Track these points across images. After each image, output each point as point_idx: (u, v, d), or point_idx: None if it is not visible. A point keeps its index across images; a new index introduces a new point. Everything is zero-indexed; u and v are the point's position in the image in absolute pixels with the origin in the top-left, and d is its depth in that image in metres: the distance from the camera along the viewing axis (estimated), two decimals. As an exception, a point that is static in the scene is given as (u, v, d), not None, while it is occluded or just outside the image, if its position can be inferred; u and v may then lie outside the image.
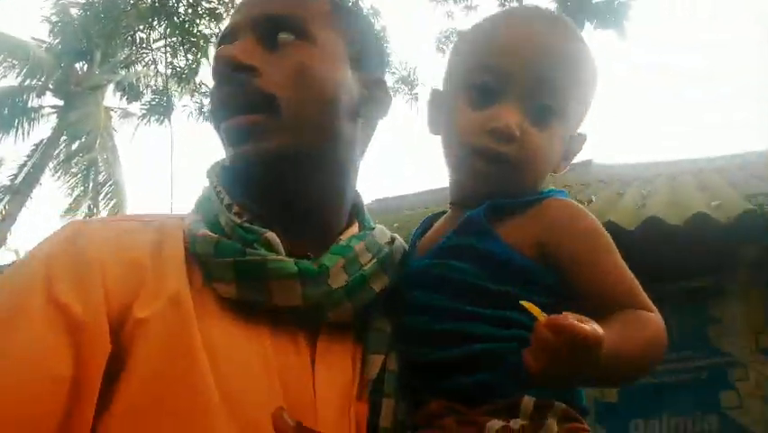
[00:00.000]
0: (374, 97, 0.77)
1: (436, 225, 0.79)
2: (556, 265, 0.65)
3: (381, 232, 0.76)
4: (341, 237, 0.72)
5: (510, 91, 0.68)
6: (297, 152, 0.68)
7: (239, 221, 0.66)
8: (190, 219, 0.70)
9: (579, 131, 0.77)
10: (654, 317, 0.63)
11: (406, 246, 0.78)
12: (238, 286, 0.62)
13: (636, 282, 0.65)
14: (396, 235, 0.78)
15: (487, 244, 0.66)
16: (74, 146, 11.89)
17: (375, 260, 0.70)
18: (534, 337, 0.53)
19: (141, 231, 0.67)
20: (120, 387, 0.56)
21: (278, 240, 0.65)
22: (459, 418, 0.61)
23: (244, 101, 0.67)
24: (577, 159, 0.77)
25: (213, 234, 0.65)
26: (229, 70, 0.67)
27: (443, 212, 0.80)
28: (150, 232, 0.68)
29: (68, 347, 0.55)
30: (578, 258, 0.65)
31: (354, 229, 0.76)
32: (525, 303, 0.55)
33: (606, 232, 0.67)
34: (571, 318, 0.51)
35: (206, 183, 0.75)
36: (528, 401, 0.59)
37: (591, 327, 0.51)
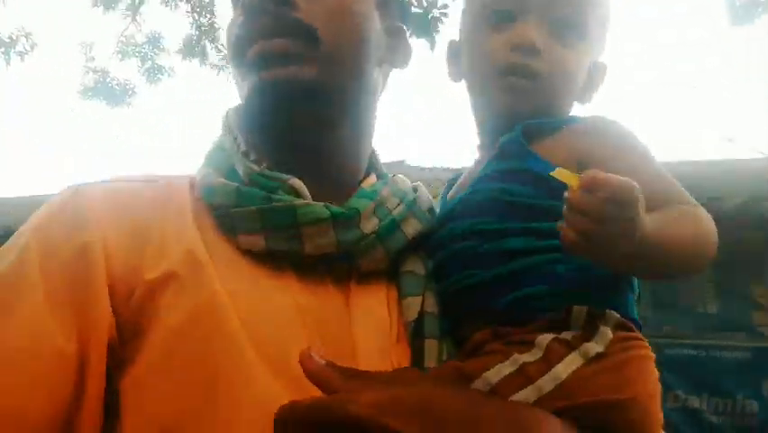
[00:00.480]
0: (396, 46, 0.75)
1: (465, 173, 0.77)
2: None
3: (402, 180, 0.74)
4: (362, 186, 0.69)
5: (529, 10, 0.69)
6: (331, 87, 0.65)
7: (258, 169, 0.63)
8: (201, 174, 0.66)
9: (599, 60, 0.76)
10: (700, 210, 0.60)
11: (431, 197, 0.75)
12: (267, 236, 0.59)
13: (674, 181, 0.63)
14: (419, 184, 0.76)
15: (528, 163, 0.65)
16: None
17: (403, 204, 0.68)
18: (568, 204, 0.51)
19: (144, 190, 0.63)
20: (142, 351, 0.54)
21: (303, 186, 0.62)
22: (507, 340, 0.58)
23: (281, 28, 0.63)
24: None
25: (231, 183, 0.61)
26: (269, 3, 0.63)
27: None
28: (154, 190, 0.63)
29: (70, 322, 0.53)
30: (620, 164, 0.60)
31: (372, 179, 0.73)
32: (556, 172, 0.52)
33: (640, 139, 0.66)
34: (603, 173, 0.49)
35: (219, 133, 0.71)
36: (580, 310, 0.57)
37: (625, 178, 0.49)
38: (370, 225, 0.63)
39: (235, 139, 0.67)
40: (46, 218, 0.59)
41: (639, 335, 0.59)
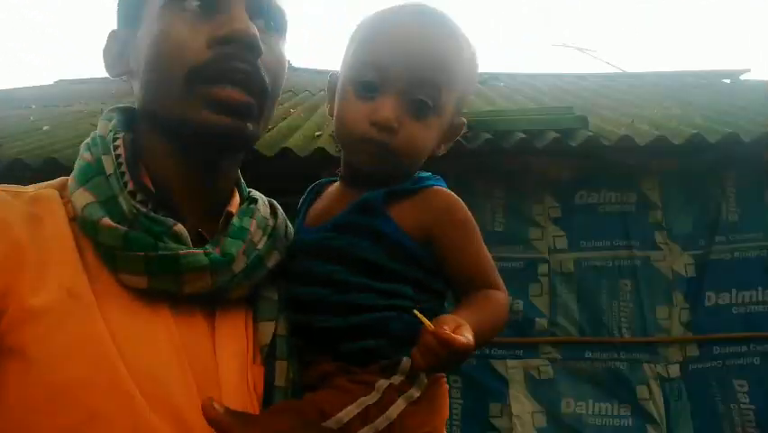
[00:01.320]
0: None
1: (326, 196, 0.85)
2: (435, 248, 0.74)
3: (263, 203, 0.79)
4: (229, 209, 0.74)
5: (390, 86, 0.74)
6: (257, 138, 0.72)
7: (144, 210, 0.65)
8: (79, 199, 0.64)
9: (457, 117, 0.83)
10: (502, 295, 0.76)
11: (286, 220, 0.82)
12: (149, 278, 0.63)
13: (492, 264, 0.77)
14: (273, 202, 0.82)
15: (382, 225, 0.74)
16: None
17: (266, 237, 0.74)
18: (421, 342, 0.62)
19: (14, 204, 0.63)
20: (10, 378, 0.55)
21: (185, 232, 0.66)
22: (351, 377, 0.69)
23: (253, 85, 0.67)
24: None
25: (120, 227, 0.63)
26: (251, 49, 0.66)
27: (329, 181, 0.87)
28: (23, 205, 0.63)
29: None
30: (453, 245, 0.75)
31: (236, 199, 0.78)
32: (415, 312, 0.64)
33: (474, 223, 0.77)
34: (450, 328, 0.61)
35: (93, 144, 0.70)
36: (406, 362, 0.69)
37: (466, 337, 0.60)
38: (240, 264, 0.69)
39: (119, 166, 0.67)
40: None
41: (443, 375, 0.75)
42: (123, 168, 0.67)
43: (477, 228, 0.77)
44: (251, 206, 0.77)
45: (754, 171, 3.39)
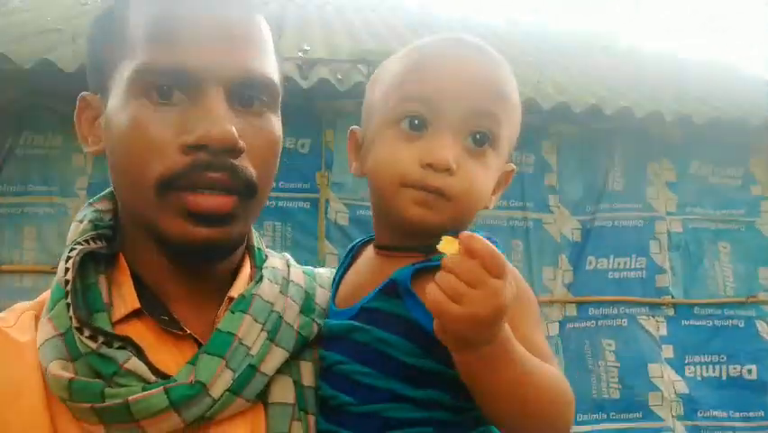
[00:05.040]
0: None
1: (360, 264, 0.74)
2: None
3: (273, 275, 0.70)
4: (230, 294, 0.66)
5: (444, 121, 0.64)
6: (249, 228, 0.69)
7: (94, 346, 0.58)
8: (41, 334, 0.60)
9: (507, 164, 0.72)
10: (561, 374, 0.62)
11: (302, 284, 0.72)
12: (106, 428, 0.57)
13: (548, 348, 0.64)
14: (294, 268, 0.73)
15: (411, 310, 0.62)
16: None
17: (265, 333, 0.64)
18: (443, 265, 0.53)
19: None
20: None
21: (142, 366, 0.58)
22: None
23: (232, 184, 0.60)
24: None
25: (64, 374, 0.57)
26: (229, 152, 0.59)
27: (370, 240, 0.75)
28: (4, 342, 0.62)
29: None
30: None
31: (246, 271, 0.69)
32: (441, 246, 0.54)
33: (532, 296, 0.66)
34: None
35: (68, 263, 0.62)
36: None
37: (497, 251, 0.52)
38: (220, 385, 0.59)
39: (66, 296, 0.60)
40: None
41: None
42: (69, 298, 0.60)
43: (536, 303, 0.66)
44: (252, 291, 0.66)
45: (641, 145, 3.53)
